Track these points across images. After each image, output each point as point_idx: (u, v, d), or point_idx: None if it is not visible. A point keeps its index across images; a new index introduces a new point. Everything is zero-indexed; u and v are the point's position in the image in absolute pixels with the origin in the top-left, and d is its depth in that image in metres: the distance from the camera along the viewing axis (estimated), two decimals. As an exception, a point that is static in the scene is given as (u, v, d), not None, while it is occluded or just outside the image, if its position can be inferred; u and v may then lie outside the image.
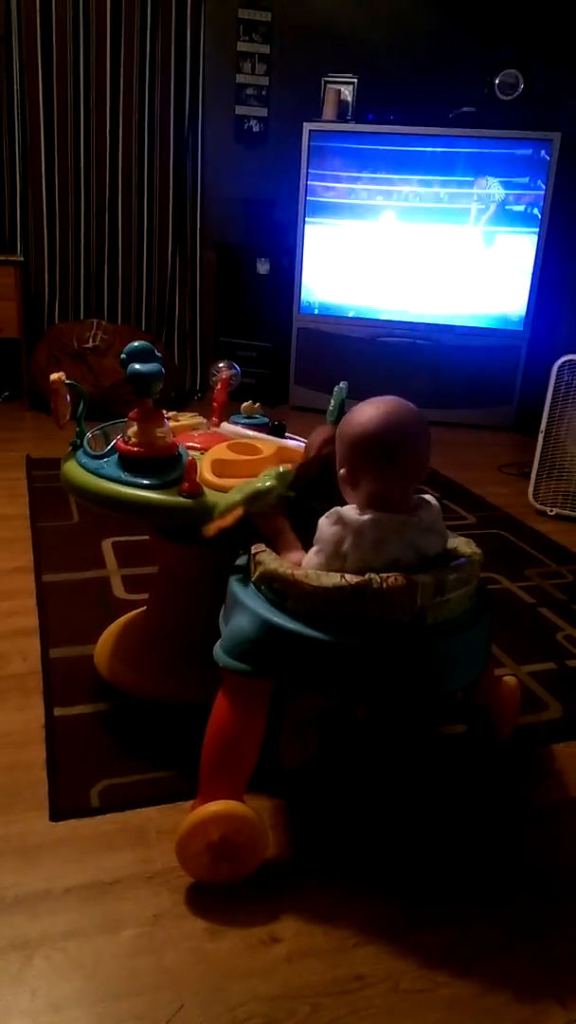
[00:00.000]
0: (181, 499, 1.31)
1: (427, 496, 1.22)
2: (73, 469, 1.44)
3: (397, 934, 1.10)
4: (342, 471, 1.16)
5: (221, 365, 1.83)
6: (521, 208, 3.84)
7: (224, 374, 1.80)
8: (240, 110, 4.15)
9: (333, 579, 1.06)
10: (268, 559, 1.14)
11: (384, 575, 1.05)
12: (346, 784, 1.39)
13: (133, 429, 1.40)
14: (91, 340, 3.72)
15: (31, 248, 3.95)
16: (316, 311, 4.14)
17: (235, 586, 1.18)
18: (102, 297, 4.13)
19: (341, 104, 3.96)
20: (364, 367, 4.02)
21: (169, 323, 4.27)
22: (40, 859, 1.18)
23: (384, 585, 1.04)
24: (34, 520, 2.46)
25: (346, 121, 3.94)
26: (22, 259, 3.81)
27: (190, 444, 1.53)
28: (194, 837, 1.12)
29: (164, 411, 1.52)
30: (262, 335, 4.21)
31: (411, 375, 4.08)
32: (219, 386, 1.79)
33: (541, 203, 3.80)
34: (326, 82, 3.96)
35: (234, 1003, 0.98)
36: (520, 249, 3.89)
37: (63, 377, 1.42)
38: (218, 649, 1.14)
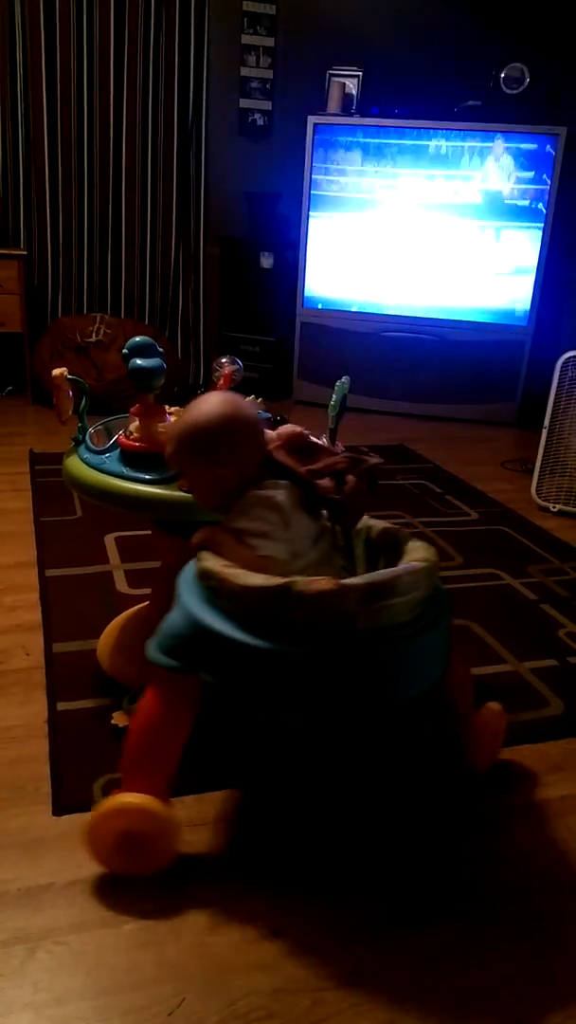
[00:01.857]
0: (182, 494, 1.31)
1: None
2: (75, 464, 1.44)
3: (397, 930, 1.10)
4: (209, 469, 1.15)
5: (224, 360, 1.83)
6: (526, 203, 3.82)
7: (227, 369, 1.80)
8: (244, 103, 4.14)
9: (258, 579, 1.03)
10: (206, 555, 1.12)
11: (310, 578, 1.02)
12: (339, 781, 1.40)
13: (135, 424, 1.41)
14: (94, 334, 3.72)
15: (34, 242, 3.94)
16: (320, 305, 4.13)
17: (181, 581, 1.16)
18: (105, 291, 4.13)
19: (346, 97, 3.94)
20: (368, 362, 4.02)
21: (172, 317, 4.27)
22: (43, 853, 1.19)
23: (308, 589, 1.00)
24: (37, 515, 2.46)
25: (351, 114, 3.92)
26: (25, 253, 3.81)
27: (193, 440, 1.53)
28: (102, 825, 1.13)
29: (166, 406, 1.52)
30: (265, 329, 4.20)
31: (415, 370, 4.08)
32: (221, 381, 1.79)
33: (546, 198, 3.78)
34: (331, 75, 3.95)
35: (235, 996, 0.99)
36: (525, 244, 3.88)
37: (65, 373, 1.42)
38: (150, 643, 1.12)
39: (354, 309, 4.09)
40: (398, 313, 4.05)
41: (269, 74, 4.11)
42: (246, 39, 4.04)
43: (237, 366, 1.81)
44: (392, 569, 1.09)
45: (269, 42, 4.06)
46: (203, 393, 1.23)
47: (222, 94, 4.07)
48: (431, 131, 3.78)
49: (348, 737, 1.50)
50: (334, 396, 1.52)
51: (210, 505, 1.19)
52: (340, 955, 1.06)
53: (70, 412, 1.47)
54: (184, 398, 1.35)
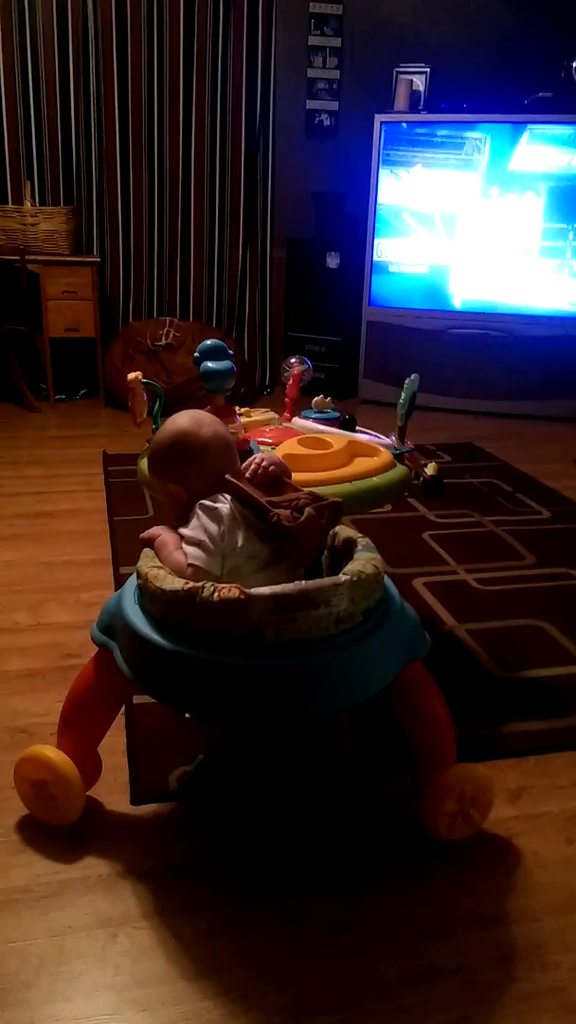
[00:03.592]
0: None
1: None
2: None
3: (471, 927, 1.10)
4: (164, 484, 1.20)
5: (293, 360, 1.85)
6: (599, 194, 3.73)
7: (296, 369, 1.82)
8: (311, 104, 4.16)
9: (174, 583, 1.04)
10: (145, 553, 1.16)
11: (219, 586, 1.01)
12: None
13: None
14: (164, 338, 3.80)
15: (107, 249, 4.05)
16: (386, 304, 4.11)
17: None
18: (174, 295, 4.21)
19: (413, 95, 3.92)
20: (435, 359, 3.99)
21: (239, 319, 4.32)
22: (122, 841, 1.23)
23: (216, 595, 1.00)
24: (111, 514, 2.53)
25: (418, 111, 3.90)
26: (98, 260, 3.91)
27: (262, 439, 1.55)
28: (21, 769, 1.24)
29: (236, 407, 1.55)
30: (332, 329, 4.21)
31: (483, 367, 4.03)
32: (291, 381, 1.81)
33: (620, 188, 3.68)
34: (398, 73, 3.93)
35: (308, 987, 1.01)
36: (598, 236, 3.79)
37: (140, 376, 1.47)
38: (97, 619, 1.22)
39: (421, 307, 4.07)
40: (466, 309, 4.00)
41: (336, 74, 4.12)
42: (312, 40, 4.06)
43: (306, 366, 1.83)
44: (310, 581, 1.04)
45: (335, 43, 4.07)
46: (268, 394, 1.25)
47: (289, 95, 4.10)
48: (501, 124, 3.73)
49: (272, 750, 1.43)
50: (403, 394, 1.52)
51: (173, 518, 1.22)
52: (412, 950, 1.06)
53: (145, 415, 1.51)
54: (251, 399, 1.37)
